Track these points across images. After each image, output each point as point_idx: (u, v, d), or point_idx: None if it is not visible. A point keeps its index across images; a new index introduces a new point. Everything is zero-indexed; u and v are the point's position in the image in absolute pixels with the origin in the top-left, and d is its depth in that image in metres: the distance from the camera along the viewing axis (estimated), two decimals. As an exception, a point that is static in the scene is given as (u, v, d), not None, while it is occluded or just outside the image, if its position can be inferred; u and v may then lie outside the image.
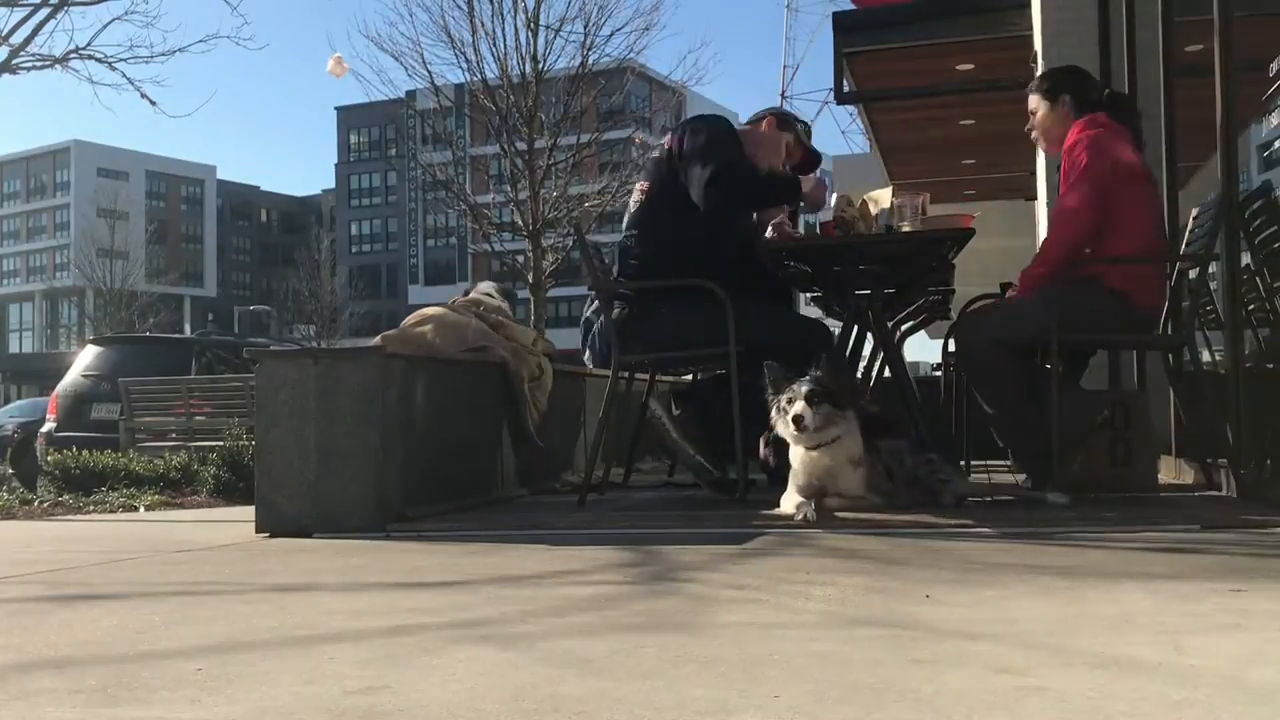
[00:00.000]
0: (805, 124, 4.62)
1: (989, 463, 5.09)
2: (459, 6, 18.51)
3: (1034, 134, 4.20)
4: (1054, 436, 3.71)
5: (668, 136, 4.40)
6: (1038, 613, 2.00)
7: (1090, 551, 2.85)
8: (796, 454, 3.55)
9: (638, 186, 4.46)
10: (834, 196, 4.43)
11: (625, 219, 4.44)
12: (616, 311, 4.24)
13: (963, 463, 4.78)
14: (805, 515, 3.35)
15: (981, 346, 3.92)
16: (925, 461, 3.73)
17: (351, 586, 2.59)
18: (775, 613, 2.09)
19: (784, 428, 3.48)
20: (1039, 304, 3.78)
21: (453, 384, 4.27)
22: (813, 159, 4.63)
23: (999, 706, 1.37)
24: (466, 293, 5.14)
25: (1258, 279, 4.57)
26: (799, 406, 3.41)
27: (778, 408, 3.49)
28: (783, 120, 4.52)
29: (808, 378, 3.46)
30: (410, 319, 4.57)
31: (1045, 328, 3.74)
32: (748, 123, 4.58)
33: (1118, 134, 3.92)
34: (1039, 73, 4.28)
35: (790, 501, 3.50)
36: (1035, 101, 4.15)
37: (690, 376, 5.71)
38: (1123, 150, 3.88)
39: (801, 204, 4.41)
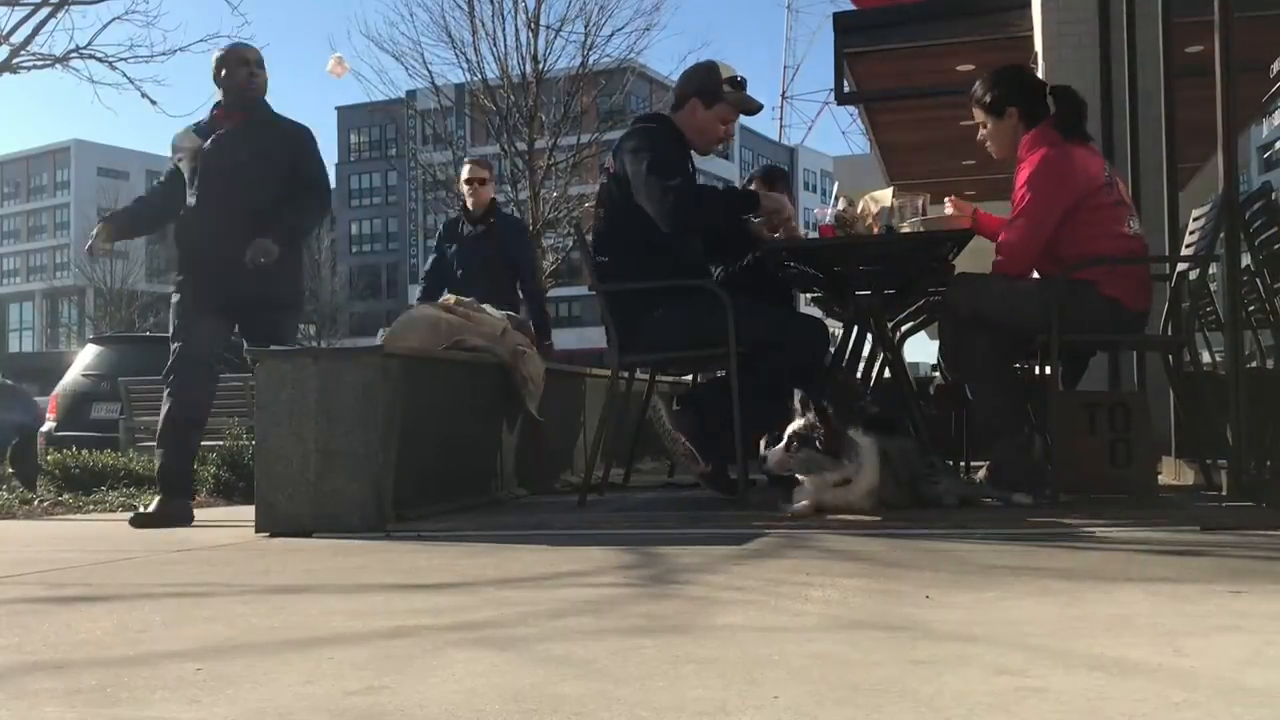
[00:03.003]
0: (734, 78, 4.33)
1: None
2: (459, 6, 18.56)
3: (986, 144, 4.12)
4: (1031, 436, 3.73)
5: (608, 158, 4.37)
6: (1037, 614, 2.00)
7: (1090, 553, 2.85)
8: (810, 484, 3.52)
9: (595, 212, 4.44)
10: (834, 197, 4.43)
11: (592, 242, 4.36)
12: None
13: (963, 464, 4.78)
14: (799, 509, 3.36)
15: (965, 312, 3.91)
16: (928, 465, 3.73)
17: (351, 587, 2.59)
18: (775, 614, 2.09)
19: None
20: (1036, 300, 3.77)
21: (452, 383, 4.27)
22: (750, 111, 4.38)
23: (998, 707, 1.37)
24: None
25: (1258, 280, 4.57)
26: (774, 447, 3.42)
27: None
28: (706, 95, 4.30)
29: (804, 419, 3.42)
30: (389, 334, 4.52)
31: (1035, 325, 3.74)
32: (674, 108, 4.40)
33: (1069, 147, 3.86)
34: (978, 82, 4.12)
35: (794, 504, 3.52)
36: (980, 115, 4.07)
37: (690, 378, 5.72)
38: (1072, 170, 3.83)
39: (759, 218, 4.32)
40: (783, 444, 3.41)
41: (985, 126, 4.09)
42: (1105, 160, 4.05)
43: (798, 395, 3.50)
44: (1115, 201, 3.91)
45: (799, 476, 3.51)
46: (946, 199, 4.30)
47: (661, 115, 4.50)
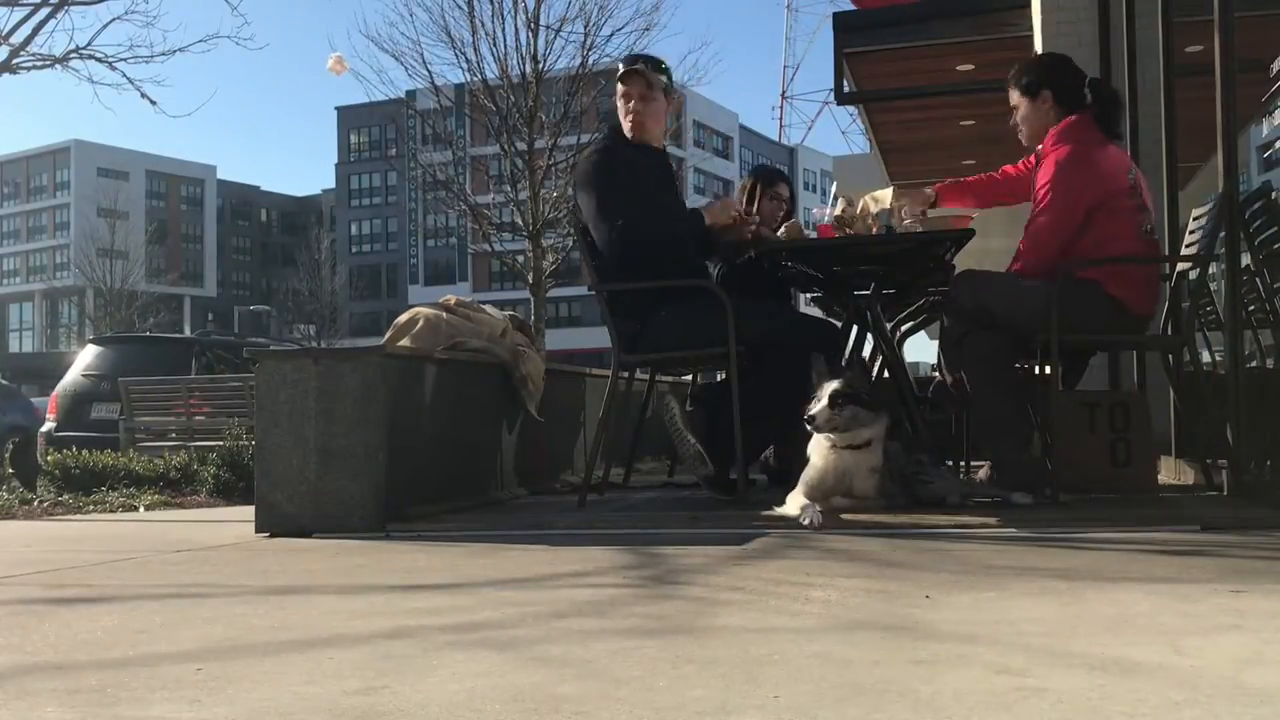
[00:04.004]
0: (656, 60, 4.39)
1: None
2: (459, 6, 18.50)
3: (1017, 127, 4.07)
4: (1023, 430, 3.72)
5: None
6: (1037, 613, 2.00)
7: (1090, 552, 2.85)
8: (819, 451, 3.54)
9: (576, 225, 4.44)
10: (834, 197, 4.43)
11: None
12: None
13: (963, 463, 4.78)
14: (811, 520, 3.33)
15: (969, 308, 3.90)
16: (915, 462, 3.73)
17: (351, 587, 2.59)
18: (775, 614, 2.09)
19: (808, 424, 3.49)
20: (1040, 298, 3.75)
21: (452, 384, 4.27)
22: (620, 75, 4.37)
23: (998, 707, 1.37)
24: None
25: (1258, 279, 4.57)
26: (817, 406, 3.43)
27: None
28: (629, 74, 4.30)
29: (840, 379, 3.46)
30: (391, 333, 4.52)
31: (1039, 322, 3.73)
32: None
33: (1095, 147, 3.84)
34: (1018, 66, 4.09)
35: (795, 503, 3.50)
36: (1016, 97, 4.03)
37: (690, 377, 5.72)
38: (1096, 169, 3.81)
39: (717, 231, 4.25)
40: (825, 402, 3.41)
41: (1018, 109, 4.03)
42: (1132, 163, 4.02)
43: (816, 366, 3.54)
44: (1137, 206, 3.87)
45: (819, 450, 3.51)
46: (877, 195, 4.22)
47: (614, 126, 4.44)
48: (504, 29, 18.49)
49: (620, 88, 4.34)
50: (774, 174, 5.38)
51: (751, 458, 4.06)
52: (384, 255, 76.22)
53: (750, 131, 77.93)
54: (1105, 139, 3.91)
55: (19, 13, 9.36)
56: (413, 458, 3.81)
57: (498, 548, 3.22)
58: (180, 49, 11.11)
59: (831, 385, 3.45)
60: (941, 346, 4.07)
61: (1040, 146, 4.01)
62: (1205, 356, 5.25)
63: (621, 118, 4.33)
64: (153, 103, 10.44)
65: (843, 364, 4.01)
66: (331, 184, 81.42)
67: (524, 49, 18.37)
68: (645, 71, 4.33)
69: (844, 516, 3.44)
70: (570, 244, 18.10)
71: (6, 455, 9.76)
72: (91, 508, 5.77)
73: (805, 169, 79.62)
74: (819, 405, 3.43)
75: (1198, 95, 4.60)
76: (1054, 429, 3.89)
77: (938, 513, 3.50)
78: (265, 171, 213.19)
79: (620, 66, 4.41)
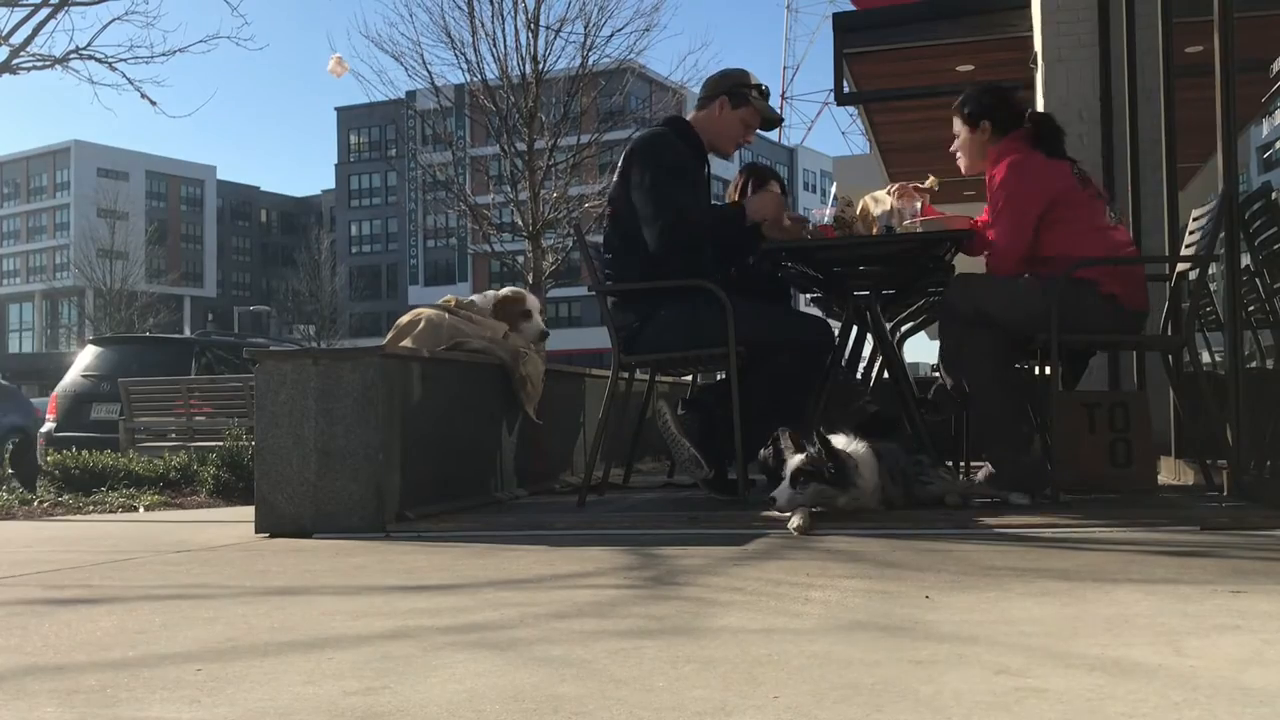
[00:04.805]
0: (760, 86, 4.45)
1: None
2: (459, 7, 18.53)
3: (957, 154, 4.16)
4: (1026, 432, 3.72)
5: (623, 159, 4.34)
6: (1037, 614, 2.00)
7: (1090, 553, 2.85)
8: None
9: (604, 210, 4.46)
10: (834, 197, 4.43)
11: (602, 242, 4.40)
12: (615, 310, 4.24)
13: (963, 464, 4.78)
14: (799, 524, 3.30)
15: (966, 311, 3.90)
16: (915, 463, 3.73)
17: (351, 587, 2.59)
18: (775, 615, 2.09)
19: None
20: (1036, 297, 3.76)
21: (453, 384, 4.27)
22: (770, 122, 4.47)
23: (998, 707, 1.37)
24: None
25: (1258, 280, 4.57)
26: (781, 486, 3.41)
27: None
28: (736, 96, 4.36)
29: (806, 454, 3.41)
30: (392, 334, 4.53)
31: (1036, 323, 3.73)
32: (699, 106, 4.43)
33: (1036, 155, 3.90)
34: (962, 95, 4.19)
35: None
36: (958, 125, 4.12)
37: (691, 378, 5.72)
38: (1038, 169, 3.87)
39: (757, 222, 4.22)
40: (787, 481, 3.40)
41: (959, 137, 4.13)
42: (1071, 162, 4.06)
43: (785, 433, 3.53)
44: (1091, 196, 3.94)
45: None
46: (892, 187, 4.26)
47: (677, 118, 4.50)
48: (504, 29, 18.54)
49: (750, 127, 4.40)
50: (766, 171, 5.35)
51: (750, 457, 4.05)
52: (384, 256, 76.21)
53: (750, 131, 77.80)
54: (1039, 149, 3.96)
55: (19, 13, 9.36)
56: (413, 458, 3.81)
57: (498, 548, 3.22)
58: (180, 49, 11.12)
59: (794, 462, 3.41)
60: (941, 351, 4.08)
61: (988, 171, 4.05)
62: (1205, 356, 5.26)
63: (738, 140, 4.40)
64: (153, 103, 10.44)
65: (840, 366, 4.00)
66: (331, 184, 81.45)
67: (524, 49, 18.40)
68: None
69: (844, 518, 3.43)
70: (570, 244, 18.13)
71: (6, 455, 9.76)
72: (91, 508, 5.77)
73: (805, 169, 79.62)
74: (782, 485, 3.41)
75: (1198, 95, 4.60)
76: (1054, 429, 3.89)
77: (938, 513, 3.50)
78: (265, 172, 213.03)
79: (771, 114, 4.44)
